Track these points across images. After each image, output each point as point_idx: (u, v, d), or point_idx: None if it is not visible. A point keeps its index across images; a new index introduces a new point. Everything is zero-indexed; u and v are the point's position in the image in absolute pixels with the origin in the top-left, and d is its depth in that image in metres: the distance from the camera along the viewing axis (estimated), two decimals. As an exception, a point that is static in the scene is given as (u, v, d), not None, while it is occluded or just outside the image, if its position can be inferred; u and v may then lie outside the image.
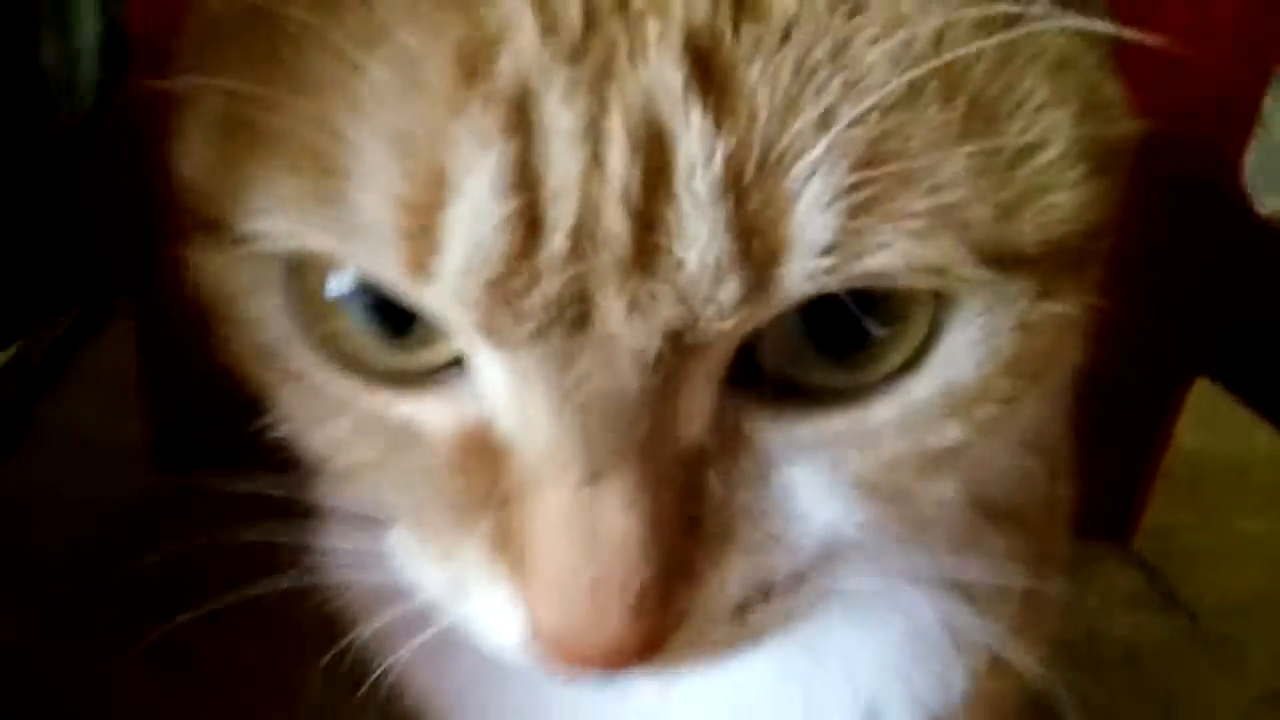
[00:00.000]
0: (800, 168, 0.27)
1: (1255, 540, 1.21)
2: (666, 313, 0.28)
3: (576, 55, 0.27)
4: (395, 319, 0.32)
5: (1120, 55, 0.38)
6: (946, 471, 0.33)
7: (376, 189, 0.28)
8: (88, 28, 1.18)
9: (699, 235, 0.27)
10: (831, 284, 0.29)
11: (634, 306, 0.28)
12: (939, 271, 0.29)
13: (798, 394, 0.31)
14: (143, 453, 1.11)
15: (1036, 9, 0.31)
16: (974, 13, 0.29)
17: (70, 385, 1.21)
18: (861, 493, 0.32)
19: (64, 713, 0.88)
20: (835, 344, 0.31)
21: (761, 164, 0.27)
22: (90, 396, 1.19)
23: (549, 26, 0.27)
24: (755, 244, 0.28)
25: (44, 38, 1.16)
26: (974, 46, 0.29)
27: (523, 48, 0.27)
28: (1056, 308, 0.33)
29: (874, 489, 0.32)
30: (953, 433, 0.32)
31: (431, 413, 0.32)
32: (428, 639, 0.39)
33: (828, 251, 0.28)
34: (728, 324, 0.28)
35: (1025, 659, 0.46)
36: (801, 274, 0.28)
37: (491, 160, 0.27)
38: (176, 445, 1.09)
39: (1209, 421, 1.28)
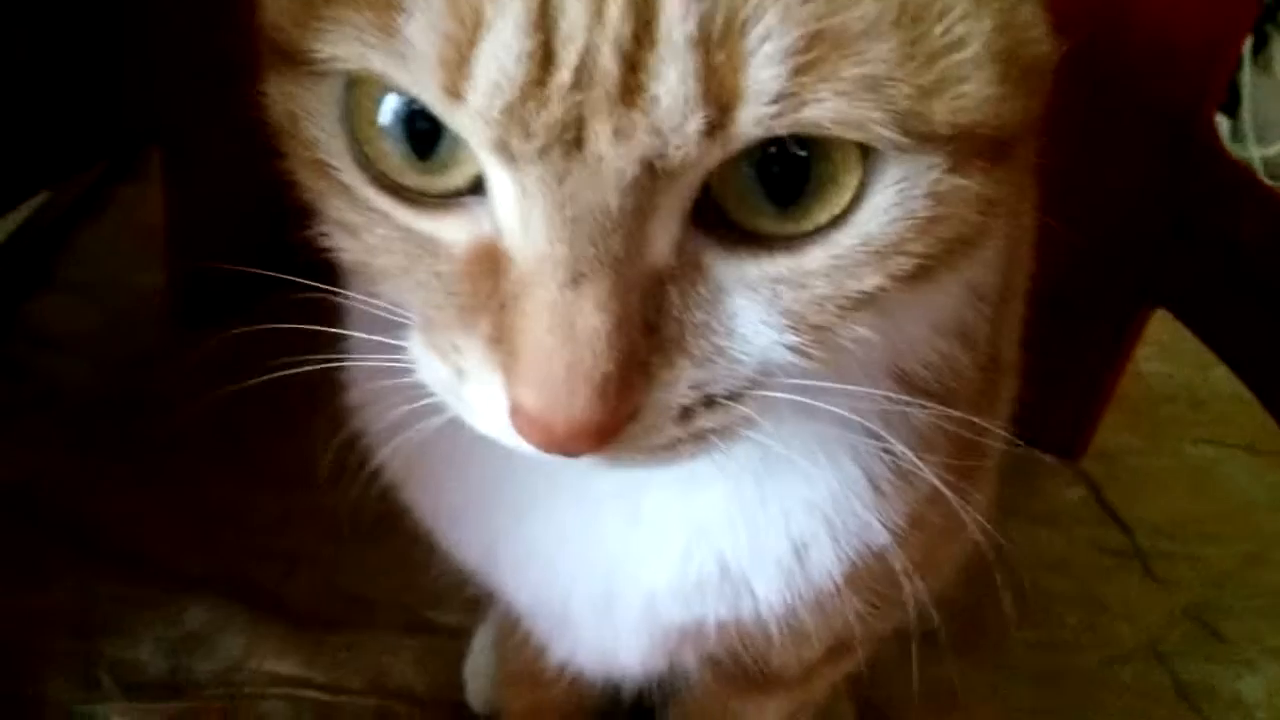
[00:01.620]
0: (757, 31, 0.33)
1: (1200, 466, 1.27)
2: (643, 139, 0.34)
3: None
4: (427, 146, 0.38)
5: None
6: (864, 316, 0.39)
7: (427, 24, 0.34)
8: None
9: (671, 77, 0.33)
10: (776, 128, 0.34)
11: (618, 132, 0.34)
12: (861, 128, 0.35)
13: (748, 239, 0.37)
14: (161, 304, 1.16)
15: None
16: None
17: (95, 236, 1.26)
18: (792, 324, 0.38)
19: (77, 532, 0.95)
20: (781, 195, 0.36)
21: (727, 26, 0.33)
22: (113, 248, 1.25)
23: None
24: (716, 89, 0.33)
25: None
26: None
27: None
28: (964, 183, 0.38)
29: (802, 321, 0.38)
30: (870, 280, 0.38)
31: (449, 229, 0.39)
32: (427, 440, 0.45)
33: (774, 101, 0.34)
34: (691, 153, 0.34)
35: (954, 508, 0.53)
36: (752, 118, 0.34)
37: (519, 5, 0.34)
38: (193, 298, 1.13)
39: (1170, 352, 1.35)
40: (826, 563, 0.53)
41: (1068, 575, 1.12)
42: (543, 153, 0.35)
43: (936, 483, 0.51)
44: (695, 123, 0.34)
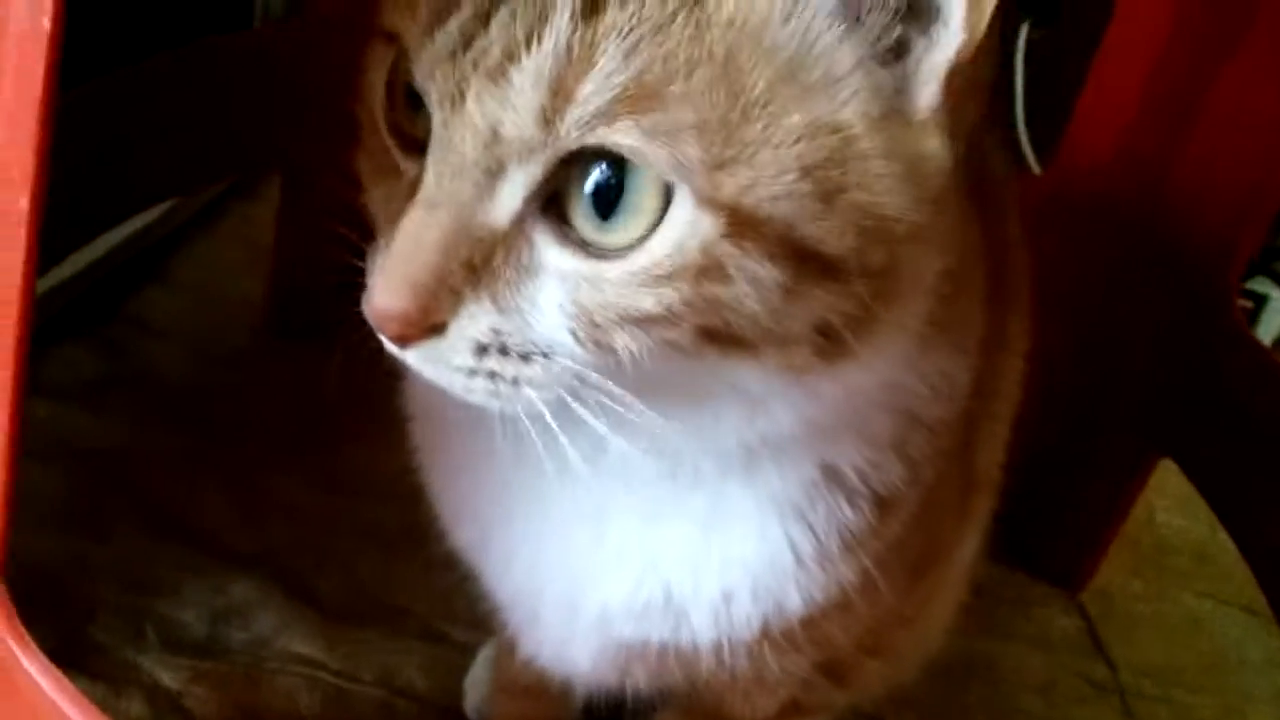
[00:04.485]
0: (600, 64, 0.43)
1: (1196, 618, 1.30)
2: (495, 108, 0.44)
3: None
4: (419, 101, 0.48)
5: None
6: (637, 332, 0.46)
7: (422, 5, 0.46)
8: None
9: (530, 72, 0.43)
10: (588, 139, 0.44)
11: (480, 96, 0.44)
12: (648, 162, 0.43)
13: (574, 239, 0.46)
14: (257, 313, 1.28)
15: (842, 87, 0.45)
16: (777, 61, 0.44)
17: (208, 244, 1.39)
18: (578, 315, 0.46)
19: (145, 499, 1.05)
20: (601, 210, 0.45)
21: (582, 53, 0.43)
22: (222, 257, 1.38)
23: None
24: (556, 91, 0.43)
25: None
26: (756, 64, 0.44)
27: None
28: (736, 254, 0.45)
29: (587, 317, 0.46)
30: (645, 302, 0.45)
31: (413, 166, 0.49)
32: (450, 431, 0.55)
33: (594, 115, 0.43)
34: (527, 131, 0.44)
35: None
36: (575, 120, 0.43)
37: (469, 6, 0.45)
38: (286, 312, 1.25)
39: (1187, 507, 1.39)
40: (746, 614, 0.60)
41: (1047, 699, 1.15)
42: (440, 102, 0.46)
43: (850, 575, 0.59)
44: (533, 107, 0.44)
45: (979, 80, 0.52)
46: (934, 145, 0.48)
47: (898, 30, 0.47)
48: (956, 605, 0.88)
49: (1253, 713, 1.21)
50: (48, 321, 1.16)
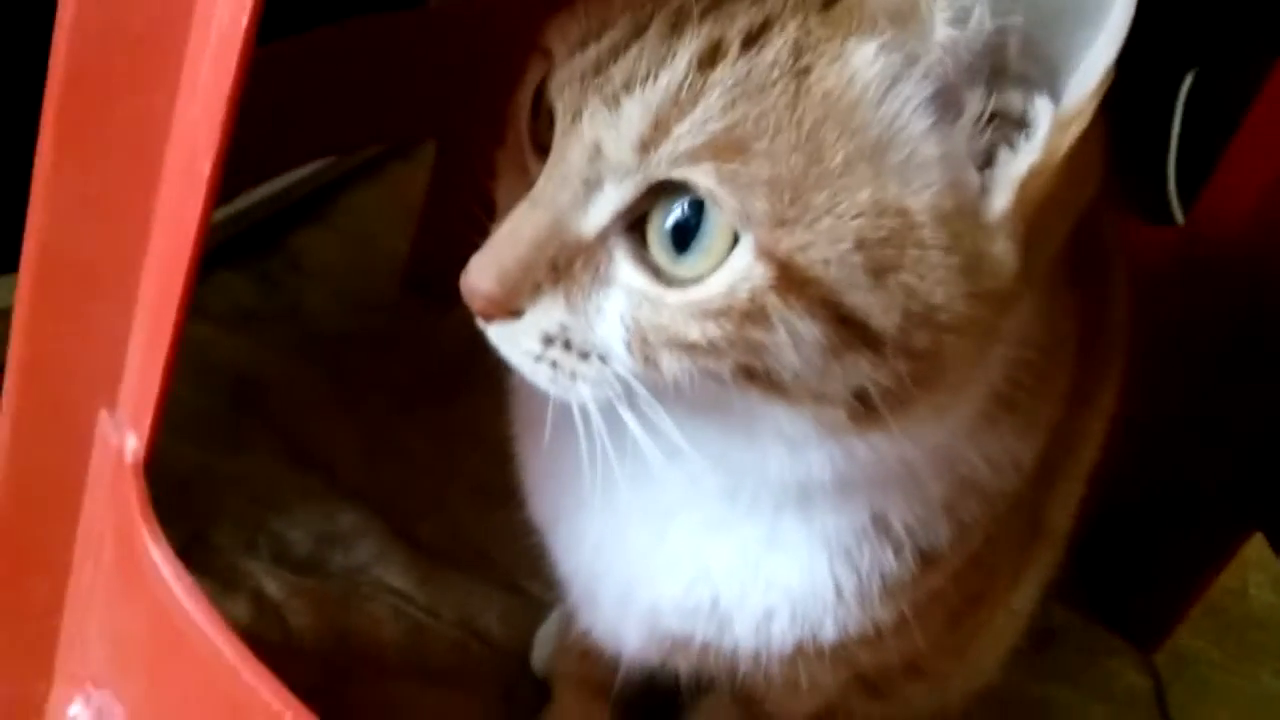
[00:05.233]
0: (698, 110, 0.47)
1: (1271, 695, 1.29)
2: (605, 130, 0.49)
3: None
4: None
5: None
6: (681, 356, 0.50)
7: (560, 33, 0.53)
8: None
9: (638, 106, 0.48)
10: (674, 173, 0.48)
11: (595, 117, 0.49)
12: (718, 203, 0.48)
13: (648, 263, 0.51)
14: (402, 268, 1.36)
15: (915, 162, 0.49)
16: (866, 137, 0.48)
17: (365, 196, 1.48)
18: (633, 330, 0.50)
19: (277, 430, 1.14)
20: (678, 244, 0.50)
21: (685, 100, 0.48)
22: (378, 212, 1.47)
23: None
24: (656, 125, 0.48)
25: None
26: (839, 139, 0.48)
27: None
28: (780, 306, 0.48)
29: (640, 334, 0.50)
30: (692, 331, 0.49)
31: (536, 168, 0.53)
32: (535, 413, 0.61)
33: (684, 153, 0.47)
34: (626, 155, 0.48)
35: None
36: (667, 154, 0.48)
37: (615, 32, 0.51)
38: (425, 271, 1.33)
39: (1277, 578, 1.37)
40: (783, 632, 0.65)
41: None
42: (563, 116, 0.51)
43: (886, 617, 0.63)
44: (634, 135, 0.48)
45: (1067, 206, 0.54)
46: (1000, 249, 0.50)
47: (989, 135, 0.49)
48: (1010, 645, 0.90)
49: (1312, 801, 1.20)
50: (213, 250, 1.26)
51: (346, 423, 1.17)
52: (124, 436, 0.54)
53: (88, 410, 0.55)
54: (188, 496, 1.04)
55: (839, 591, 0.63)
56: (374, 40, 1.12)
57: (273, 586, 0.99)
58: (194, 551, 1.00)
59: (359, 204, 1.47)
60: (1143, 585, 1.27)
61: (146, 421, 0.53)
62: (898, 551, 0.62)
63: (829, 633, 0.64)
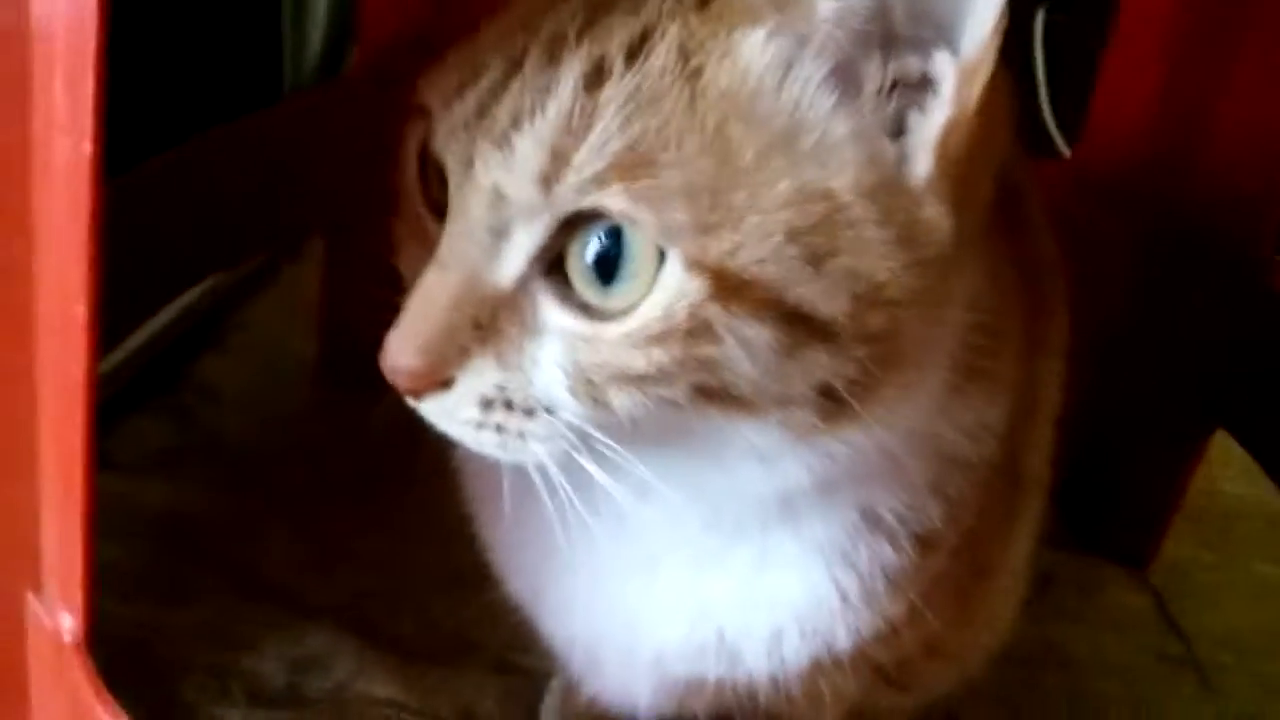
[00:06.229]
0: (595, 133, 0.45)
1: (1268, 584, 1.30)
2: (499, 173, 0.46)
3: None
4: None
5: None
6: (632, 390, 0.48)
7: (440, 84, 0.51)
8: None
9: (530, 140, 0.46)
10: (583, 203, 0.46)
11: (488, 162, 0.47)
12: (638, 225, 0.46)
13: (576, 303, 0.48)
14: (313, 369, 1.32)
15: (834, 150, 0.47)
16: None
17: (261, 307, 1.43)
18: (575, 374, 0.48)
19: (220, 567, 1.08)
20: (603, 276, 0.47)
21: (579, 125, 0.45)
22: (276, 318, 1.41)
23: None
24: (555, 157, 0.45)
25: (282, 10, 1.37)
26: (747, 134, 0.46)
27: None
28: (724, 316, 0.46)
29: (582, 376, 0.48)
30: (637, 363, 0.47)
31: (438, 230, 0.51)
32: (492, 481, 0.57)
33: (588, 180, 0.45)
34: (526, 193, 0.46)
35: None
36: (571, 185, 0.45)
37: (492, 74, 0.49)
38: (341, 366, 1.26)
39: (1252, 474, 1.38)
40: (795, 650, 0.62)
41: (1124, 680, 1.15)
42: (454, 168, 0.49)
43: (896, 611, 0.60)
44: (533, 171, 0.46)
45: (988, 157, 0.52)
46: (932, 213, 0.49)
47: (896, 103, 0.48)
48: (1017, 601, 0.89)
49: (1334, 675, 1.20)
50: (112, 397, 1.20)
51: (294, 541, 1.12)
52: (57, 617, 0.50)
53: (12, 596, 0.51)
54: (148, 658, 0.98)
55: (844, 596, 0.61)
56: (240, 145, 1.09)
57: (255, 730, 0.94)
58: (168, 714, 0.94)
59: (258, 316, 1.42)
60: (1123, 508, 1.27)
61: (78, 595, 0.49)
62: (894, 542, 0.60)
63: (843, 640, 0.62)
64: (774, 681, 0.64)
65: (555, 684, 0.97)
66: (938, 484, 0.60)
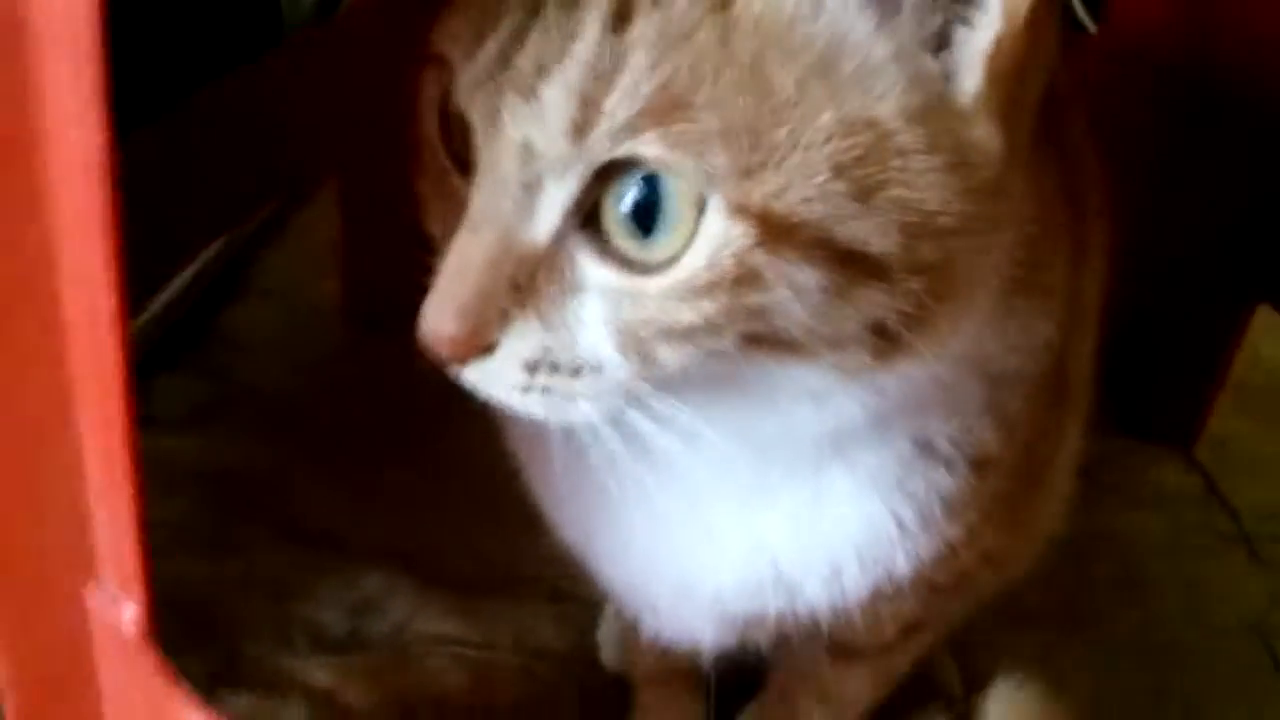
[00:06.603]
0: (624, 76, 0.43)
1: (1311, 452, 1.30)
2: (529, 125, 0.44)
3: None
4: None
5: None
6: (682, 344, 0.46)
7: (461, 29, 0.48)
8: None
9: (558, 88, 0.44)
10: (618, 152, 0.44)
11: (515, 114, 0.44)
12: (677, 172, 0.43)
13: (616, 256, 0.46)
14: (340, 311, 1.32)
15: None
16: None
17: (279, 252, 1.41)
18: (621, 331, 0.46)
19: (269, 518, 1.09)
20: (642, 227, 0.45)
21: (607, 70, 0.43)
22: (296, 262, 1.40)
23: None
24: (584, 106, 0.43)
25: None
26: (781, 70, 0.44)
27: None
28: (773, 261, 0.44)
29: (630, 334, 0.46)
30: (686, 316, 0.45)
31: (465, 186, 0.49)
32: (539, 432, 0.55)
33: (621, 128, 0.43)
34: (559, 145, 0.44)
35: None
36: (604, 133, 0.43)
37: (507, 23, 0.46)
38: (366, 306, 1.28)
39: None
40: (856, 582, 0.62)
41: (1172, 558, 1.16)
42: (481, 123, 0.46)
43: (956, 533, 0.59)
44: (563, 122, 0.44)
45: (1037, 70, 0.50)
46: (982, 134, 0.46)
47: (939, 17, 0.45)
48: (1066, 496, 0.88)
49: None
50: (145, 356, 1.20)
51: (336, 486, 1.12)
52: (120, 608, 0.49)
53: (72, 590, 0.51)
54: (208, 616, 0.99)
55: (901, 525, 0.60)
56: (245, 94, 1.06)
57: (321, 676, 0.95)
58: (234, 671, 0.95)
59: (277, 263, 1.41)
60: (1166, 387, 1.26)
61: (138, 583, 0.48)
62: (949, 468, 0.59)
63: (903, 568, 0.62)
64: (835, 612, 0.64)
65: (610, 609, 0.98)
66: (992, 405, 0.58)
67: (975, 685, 0.98)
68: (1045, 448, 0.69)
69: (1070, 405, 0.75)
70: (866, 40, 0.45)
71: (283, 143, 1.11)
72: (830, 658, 0.78)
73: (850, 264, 0.45)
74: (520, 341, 0.47)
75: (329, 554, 1.05)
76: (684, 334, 0.46)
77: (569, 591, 1.02)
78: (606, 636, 0.98)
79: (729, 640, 0.70)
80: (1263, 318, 1.19)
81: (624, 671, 0.95)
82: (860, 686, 0.82)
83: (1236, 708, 1.01)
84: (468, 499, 1.09)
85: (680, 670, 0.88)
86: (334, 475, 1.13)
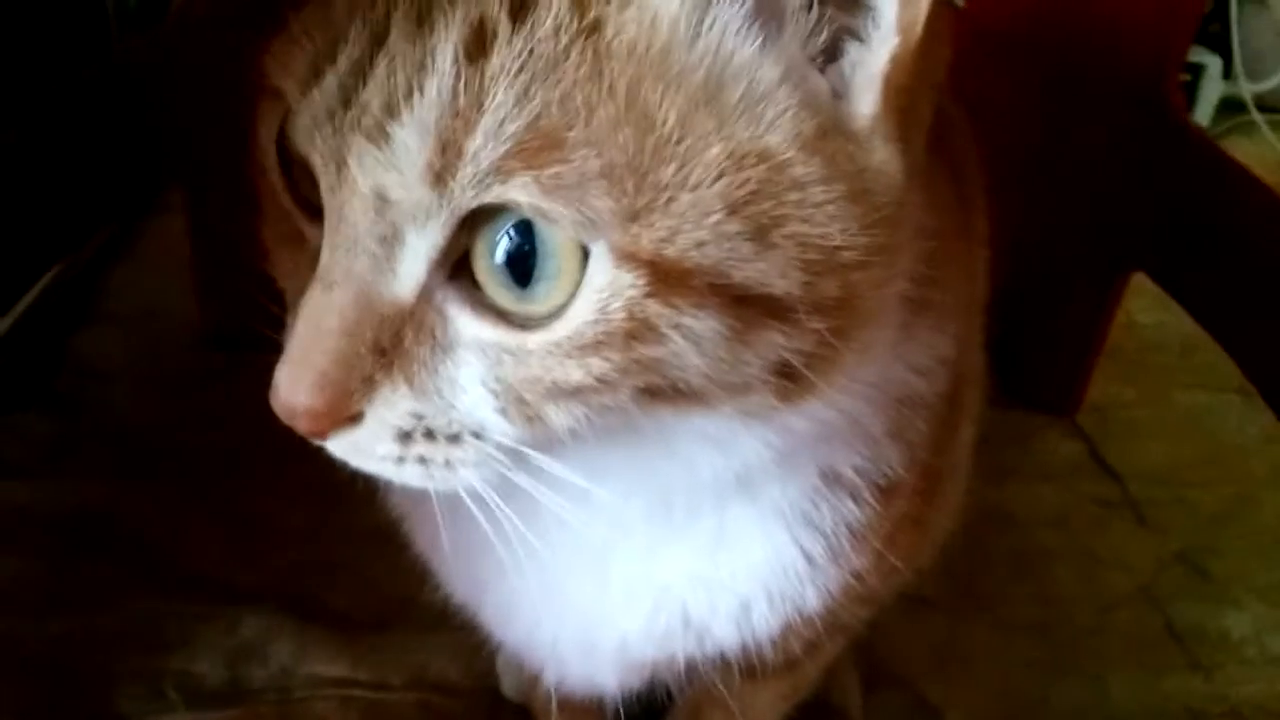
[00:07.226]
0: (488, 114, 0.39)
1: (1191, 412, 1.32)
2: (380, 172, 0.40)
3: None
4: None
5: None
6: (571, 404, 0.42)
7: (299, 60, 0.43)
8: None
9: (413, 129, 0.39)
10: (485, 197, 0.39)
11: (363, 160, 0.40)
12: (551, 219, 0.39)
13: (491, 310, 0.42)
14: (197, 330, 1.24)
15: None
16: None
17: (128, 270, 1.33)
18: (503, 392, 0.42)
19: (137, 562, 1.01)
20: (518, 278, 0.41)
21: (473, 99, 0.39)
22: (147, 280, 1.32)
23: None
24: (446, 148, 0.39)
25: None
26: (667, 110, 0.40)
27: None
28: (666, 312, 0.41)
29: (513, 394, 0.42)
30: (574, 374, 0.41)
31: (316, 233, 0.44)
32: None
33: (487, 172, 0.39)
34: (415, 194, 0.40)
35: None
36: (468, 178, 0.39)
37: (344, 60, 0.41)
38: (225, 323, 1.21)
39: (1163, 302, 1.39)
40: (765, 620, 0.59)
41: (1063, 529, 1.17)
42: (324, 168, 0.41)
43: (863, 562, 0.57)
44: (419, 166, 0.39)
45: (932, 79, 0.47)
46: (881, 157, 0.43)
47: (826, 31, 0.42)
48: (964, 484, 0.87)
49: (1260, 493, 1.23)
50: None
51: (207, 523, 1.06)
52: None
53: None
54: (73, 674, 0.91)
55: (809, 559, 0.58)
56: (78, 108, 0.98)
57: (201, 734, 0.89)
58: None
59: (128, 279, 1.32)
60: (1047, 356, 1.27)
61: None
62: (856, 497, 0.57)
63: (813, 603, 0.59)
64: (745, 650, 0.62)
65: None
66: (896, 430, 0.56)
67: (877, 680, 0.98)
68: (945, 460, 0.67)
69: (965, 409, 0.73)
70: (752, 63, 0.41)
71: (123, 155, 1.03)
72: (740, 678, 0.75)
73: (749, 307, 0.42)
74: (389, 410, 0.43)
75: (202, 598, 0.99)
76: (573, 393, 0.42)
77: (463, 619, 0.98)
78: (506, 667, 0.94)
79: (635, 684, 0.67)
80: (1137, 283, 1.20)
81: (526, 702, 0.91)
82: (771, 699, 0.80)
83: (1135, 674, 1.02)
84: (350, 526, 1.04)
85: (585, 705, 0.84)
86: (208, 511, 1.07)
